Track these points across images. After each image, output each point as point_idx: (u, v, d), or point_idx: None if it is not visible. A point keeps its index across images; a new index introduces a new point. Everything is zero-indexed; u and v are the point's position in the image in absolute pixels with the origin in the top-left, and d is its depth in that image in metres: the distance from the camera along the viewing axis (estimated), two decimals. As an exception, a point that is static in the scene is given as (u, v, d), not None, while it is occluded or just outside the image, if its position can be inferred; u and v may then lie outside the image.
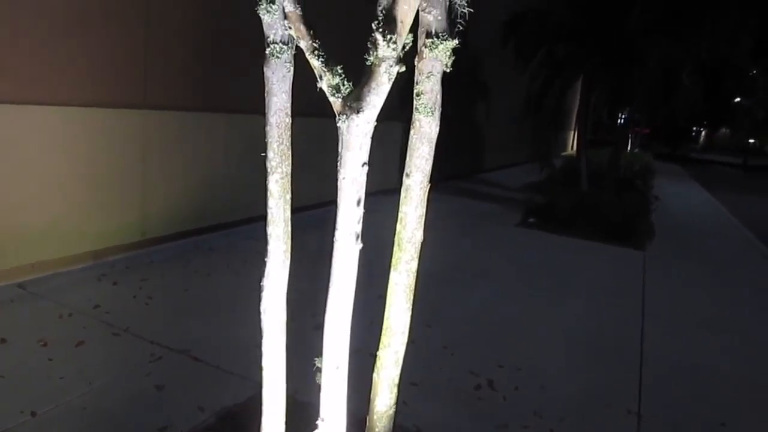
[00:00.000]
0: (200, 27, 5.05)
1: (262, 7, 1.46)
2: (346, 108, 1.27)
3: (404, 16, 1.21)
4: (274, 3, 1.46)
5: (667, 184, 14.72)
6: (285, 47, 1.49)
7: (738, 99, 10.89)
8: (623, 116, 11.94)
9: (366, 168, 1.34)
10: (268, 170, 1.59)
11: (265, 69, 1.52)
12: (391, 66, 1.23)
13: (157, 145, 4.81)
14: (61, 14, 3.89)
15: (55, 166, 4.03)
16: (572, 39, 8.48)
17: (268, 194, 1.61)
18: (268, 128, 1.55)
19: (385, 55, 1.21)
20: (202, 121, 5.26)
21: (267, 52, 1.50)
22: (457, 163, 11.29)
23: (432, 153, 1.60)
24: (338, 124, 1.39)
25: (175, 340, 3.15)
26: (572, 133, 26.89)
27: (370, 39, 1.21)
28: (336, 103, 1.30)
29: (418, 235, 1.63)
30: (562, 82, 8.55)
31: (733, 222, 10.41)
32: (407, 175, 1.59)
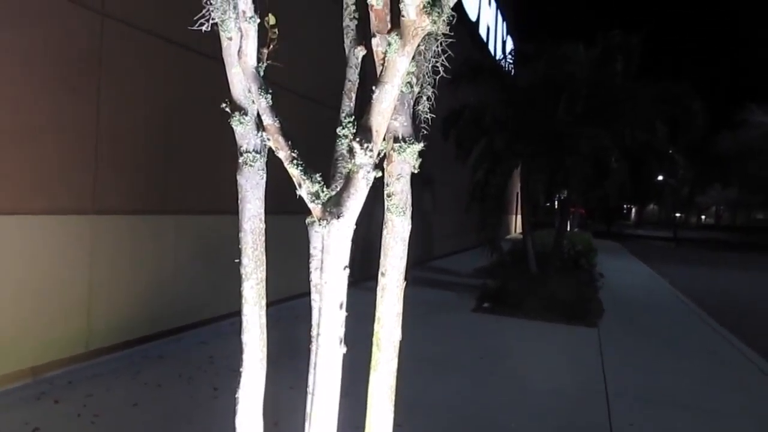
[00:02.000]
0: (151, 131, 5.08)
1: (235, 118, 1.51)
2: (326, 213, 1.30)
3: (379, 126, 1.28)
4: (246, 114, 1.52)
5: (609, 261, 15.33)
6: (258, 155, 1.54)
7: (660, 177, 11.73)
8: (561, 197, 12.61)
9: (347, 271, 1.35)
10: (243, 276, 1.57)
11: (238, 177, 1.55)
12: (369, 172, 1.28)
13: (105, 251, 4.66)
14: (10, 125, 3.85)
15: (-7, 280, 3.81)
16: (507, 131, 9.06)
17: (243, 301, 1.58)
18: (242, 234, 1.55)
19: (363, 162, 1.26)
20: (151, 223, 5.16)
21: (240, 161, 1.53)
22: (408, 253, 11.41)
23: (405, 251, 1.63)
24: (317, 230, 1.41)
25: (127, 463, 2.89)
26: (513, 216, 27.98)
27: (348, 147, 1.26)
28: (316, 209, 1.33)
29: (397, 334, 1.62)
30: (503, 171, 9.02)
31: (673, 292, 10.87)
32: (383, 275, 1.60)
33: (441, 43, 1.59)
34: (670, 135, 10.02)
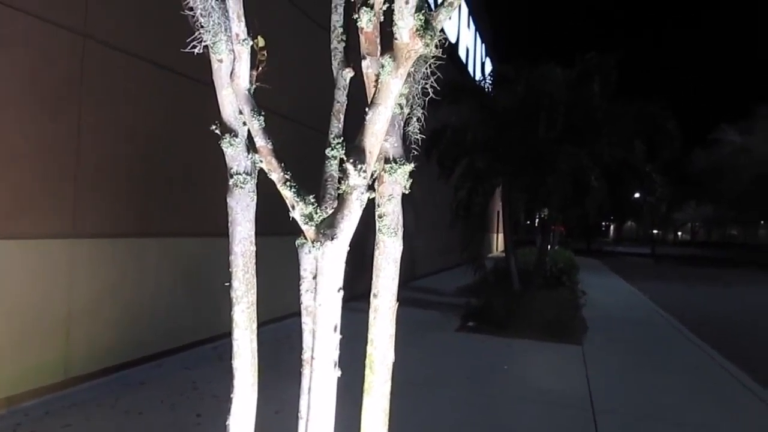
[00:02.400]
0: (133, 153, 5.03)
1: (225, 140, 1.50)
2: (320, 235, 1.29)
3: (372, 147, 1.28)
4: (237, 136, 1.51)
5: (590, 278, 15.46)
6: (248, 177, 1.52)
7: (637, 195, 11.95)
8: (542, 215, 12.76)
9: (341, 293, 1.34)
10: (233, 300, 1.54)
11: (228, 199, 1.53)
12: (362, 193, 1.28)
13: (85, 275, 4.56)
14: (-13, 148, 3.78)
15: (-32, 307, 3.70)
16: (488, 151, 9.16)
17: (233, 325, 1.55)
18: (232, 257, 1.53)
19: (357, 184, 1.26)
20: (132, 246, 5.08)
21: (230, 183, 1.52)
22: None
23: (397, 272, 1.63)
24: (309, 251, 1.40)
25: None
26: (495, 234, 28.15)
27: (341, 169, 1.26)
28: (309, 231, 1.32)
29: (390, 356, 1.61)
30: (485, 190, 9.10)
31: (654, 308, 10.99)
32: (374, 296, 1.59)
33: (430, 66, 1.61)
34: (647, 153, 10.24)
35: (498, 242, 29.27)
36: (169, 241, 5.49)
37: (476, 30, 22.03)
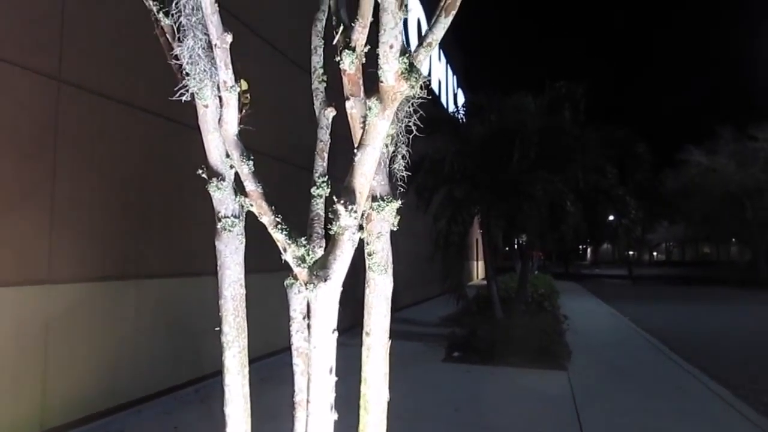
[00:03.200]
0: (109, 194, 4.97)
1: (212, 184, 1.51)
2: (313, 277, 1.29)
3: (362, 187, 1.30)
4: (224, 180, 1.51)
5: (570, 301, 15.56)
6: (236, 220, 1.52)
7: (612, 218, 12.17)
8: (521, 241, 12.87)
9: (336, 334, 1.33)
10: (224, 345, 1.52)
11: (216, 243, 1.52)
12: (354, 233, 1.29)
13: (61, 321, 4.44)
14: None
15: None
16: (466, 180, 9.28)
17: (225, 371, 1.52)
18: (222, 301, 1.52)
19: (348, 224, 1.27)
20: (110, 290, 4.97)
21: (219, 226, 1.51)
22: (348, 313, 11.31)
23: (389, 309, 1.63)
24: (299, 292, 1.39)
25: None
26: (474, 262, 28.28)
27: (331, 210, 1.27)
28: (302, 273, 1.32)
29: (385, 395, 1.59)
30: (464, 219, 9.18)
31: (635, 330, 11.09)
32: (367, 334, 1.59)
33: (412, 104, 1.65)
34: (619, 177, 10.49)
35: (478, 270, 29.38)
36: (147, 282, 5.39)
37: (447, 62, 22.54)
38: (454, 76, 24.23)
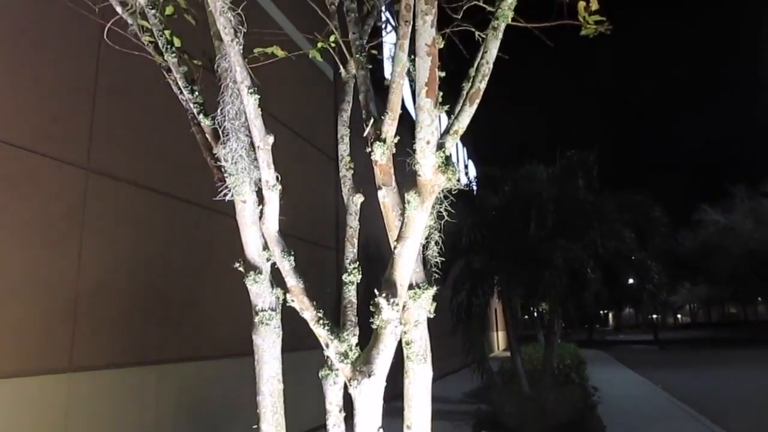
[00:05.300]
0: (132, 281, 5.00)
1: (249, 277, 1.51)
2: (357, 373, 1.26)
3: (403, 280, 1.30)
4: (261, 273, 1.52)
5: (597, 371, 15.01)
6: (273, 313, 1.51)
7: (631, 281, 11.94)
8: (542, 310, 12.61)
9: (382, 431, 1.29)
10: (263, 445, 1.47)
11: (254, 337, 1.51)
12: (396, 327, 1.27)
13: (82, 410, 4.35)
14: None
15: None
16: (484, 251, 9.24)
17: (264, 473, 1.46)
18: (260, 398, 1.48)
19: (390, 317, 1.26)
20: (130, 376, 4.90)
21: (256, 320, 1.50)
22: (389, 384, 11.01)
23: (430, 399, 1.58)
24: (335, 383, 1.36)
25: None
26: (495, 332, 27.65)
27: (373, 303, 1.26)
28: (345, 369, 1.29)
29: (430, 493, 1.52)
30: (484, 291, 9.05)
31: (669, 398, 10.60)
32: (408, 428, 1.53)
33: (443, 191, 1.67)
34: (638, 241, 10.37)
35: (498, 340, 28.66)
36: (168, 367, 5.31)
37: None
38: (464, 149, 24.73)
